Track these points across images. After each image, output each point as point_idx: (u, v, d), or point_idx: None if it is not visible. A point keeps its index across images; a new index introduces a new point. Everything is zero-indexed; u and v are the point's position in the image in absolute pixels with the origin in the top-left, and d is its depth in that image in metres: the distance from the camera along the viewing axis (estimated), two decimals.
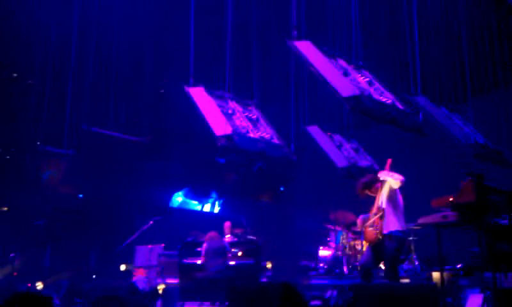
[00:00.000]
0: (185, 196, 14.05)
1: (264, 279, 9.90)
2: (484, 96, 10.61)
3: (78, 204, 12.17)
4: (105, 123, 11.67)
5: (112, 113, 11.80)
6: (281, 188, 14.53)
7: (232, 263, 9.66)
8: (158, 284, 8.40)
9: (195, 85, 9.59)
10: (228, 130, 9.08)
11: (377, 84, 9.59)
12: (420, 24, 9.71)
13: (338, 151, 11.09)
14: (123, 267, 10.22)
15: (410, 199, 6.75)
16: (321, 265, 9.65)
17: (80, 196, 11.96)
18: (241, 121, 9.78)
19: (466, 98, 10.31)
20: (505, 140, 10.33)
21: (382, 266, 7.03)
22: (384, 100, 9.20)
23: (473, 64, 10.32)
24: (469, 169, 6.23)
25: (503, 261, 5.47)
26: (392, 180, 6.44)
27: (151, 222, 9.64)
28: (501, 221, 5.95)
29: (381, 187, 6.66)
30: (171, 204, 13.62)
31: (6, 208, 12.01)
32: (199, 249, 9.54)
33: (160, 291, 7.18)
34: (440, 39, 10.81)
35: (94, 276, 10.77)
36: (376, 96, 9.11)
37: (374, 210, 6.58)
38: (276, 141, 10.24)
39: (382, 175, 6.55)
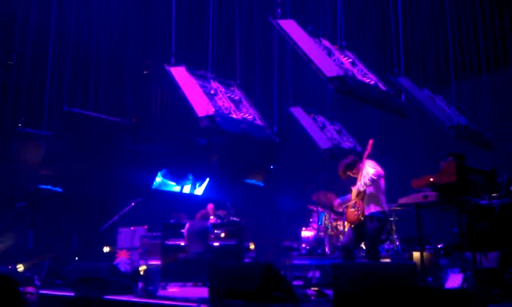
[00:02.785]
0: (164, 176, 13.97)
1: (247, 260, 9.94)
2: (468, 79, 10.66)
3: (58, 185, 12.01)
4: (86, 104, 11.52)
5: (93, 94, 11.66)
6: (271, 166, 14.51)
7: (215, 244, 9.69)
8: (140, 265, 8.37)
9: (177, 64, 9.49)
10: (210, 110, 9.01)
11: (360, 65, 9.58)
12: (404, 6, 9.69)
13: (321, 132, 11.08)
14: (106, 249, 10.18)
15: (392, 180, 6.76)
16: (303, 245, 9.68)
17: (60, 190, 11.81)
18: (224, 102, 9.71)
19: (450, 81, 10.36)
20: (487, 122, 10.43)
21: (363, 246, 7.07)
22: (367, 80, 9.19)
23: (457, 48, 10.35)
24: (450, 150, 6.26)
25: (482, 241, 5.52)
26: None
27: (132, 203, 9.57)
28: (481, 201, 6.01)
29: (363, 169, 6.66)
30: (153, 186, 13.54)
31: None
32: (182, 231, 9.55)
33: (142, 273, 7.13)
34: (424, 22, 10.81)
35: (76, 258, 10.70)
36: (359, 76, 9.09)
37: (355, 191, 6.58)
38: (259, 122, 10.19)
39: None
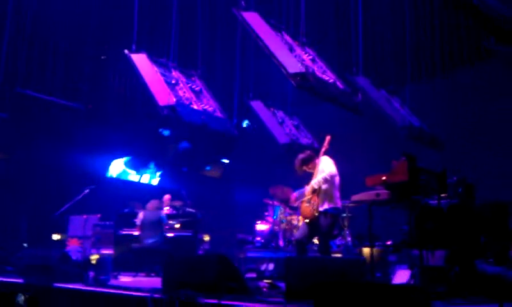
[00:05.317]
0: (126, 165, 13.79)
1: (201, 252, 9.94)
2: (423, 80, 10.94)
3: (9, 169, 11.67)
4: (41, 87, 11.20)
5: (49, 77, 11.35)
6: (224, 160, 14.50)
7: (170, 235, 9.63)
8: (92, 254, 8.24)
9: (138, 51, 9.36)
10: (171, 100, 8.93)
11: (320, 62, 9.70)
12: (365, 6, 9.85)
13: (280, 127, 11.18)
14: (56, 237, 9.96)
15: (346, 177, 6.88)
16: (258, 238, 9.76)
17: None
18: (184, 92, 9.65)
19: (406, 82, 10.63)
20: (440, 123, 10.75)
21: (316, 241, 7.19)
22: (326, 78, 9.33)
23: (413, 51, 10.61)
24: (403, 150, 6.42)
25: (430, 239, 5.69)
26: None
27: (86, 191, 9.39)
28: (430, 201, 6.21)
29: (319, 165, 6.75)
30: (107, 174, 13.32)
31: None
32: (135, 220, 9.46)
33: (93, 262, 7.02)
34: (382, 22, 11.03)
35: (25, 245, 10.43)
36: (318, 74, 9.22)
37: (310, 187, 6.66)
38: (219, 114, 10.18)
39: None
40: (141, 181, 14.17)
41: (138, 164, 14.04)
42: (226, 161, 14.29)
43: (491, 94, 10.36)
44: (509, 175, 9.47)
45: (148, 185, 14.12)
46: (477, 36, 10.09)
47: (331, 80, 9.34)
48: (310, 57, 9.56)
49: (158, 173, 14.38)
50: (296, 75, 8.19)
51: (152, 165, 14.24)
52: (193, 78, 10.40)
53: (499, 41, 9.31)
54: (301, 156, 6.92)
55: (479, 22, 9.43)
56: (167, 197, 10.34)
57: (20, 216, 11.57)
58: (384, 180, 5.98)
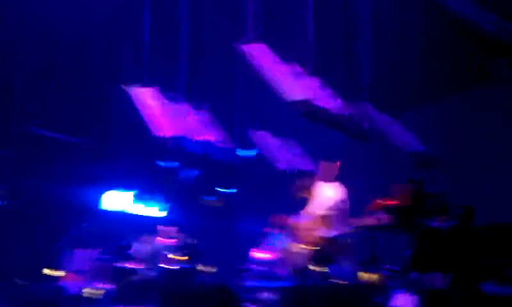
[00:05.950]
0: (136, 198, 13.81)
1: (201, 283, 9.77)
2: (427, 104, 10.91)
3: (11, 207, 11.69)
4: (45, 123, 11.30)
5: (52, 113, 11.43)
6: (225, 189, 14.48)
7: (168, 267, 9.48)
8: (89, 288, 8.13)
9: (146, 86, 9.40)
10: (177, 131, 8.94)
11: (326, 90, 9.68)
12: (371, 28, 9.89)
13: (282, 154, 11.12)
14: (52, 272, 9.86)
15: (350, 202, 6.80)
16: (258, 267, 9.61)
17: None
18: (190, 124, 9.66)
19: (409, 106, 10.60)
20: (446, 148, 10.65)
21: (316, 268, 7.05)
22: (332, 105, 9.30)
23: (416, 74, 10.60)
24: (407, 174, 6.37)
25: (432, 262, 5.59)
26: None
27: (82, 225, 9.35)
28: (431, 224, 6.10)
29: (322, 191, 6.68)
30: (100, 206, 13.29)
31: None
32: (130, 252, 9.34)
33: (91, 296, 6.92)
34: (386, 45, 11.02)
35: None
36: (324, 101, 9.18)
37: (312, 213, 6.57)
38: (223, 144, 10.17)
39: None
40: (149, 214, 14.13)
41: (145, 197, 14.06)
42: (228, 190, 14.25)
43: (496, 116, 10.29)
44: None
45: (149, 217, 14.06)
46: (482, 57, 10.05)
47: (338, 107, 9.30)
48: (316, 83, 9.54)
49: (167, 206, 14.35)
50: (300, 102, 8.18)
51: (160, 198, 14.25)
52: (200, 111, 10.45)
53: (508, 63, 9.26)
54: (300, 182, 6.84)
55: (489, 46, 9.42)
56: (166, 228, 10.22)
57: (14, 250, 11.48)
58: (385, 204, 5.91)
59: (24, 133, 10.63)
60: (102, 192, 12.94)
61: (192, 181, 13.91)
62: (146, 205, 13.89)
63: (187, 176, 13.81)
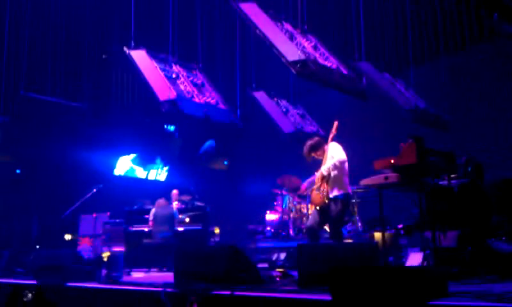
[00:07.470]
0: (133, 161, 13.80)
1: (212, 244, 9.94)
2: (427, 62, 10.87)
3: (16, 172, 11.71)
4: (43, 88, 11.21)
5: (51, 79, 11.34)
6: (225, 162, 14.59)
7: (180, 229, 9.64)
8: (103, 252, 8.25)
9: (137, 48, 9.33)
10: (172, 94, 8.89)
11: (322, 49, 9.64)
12: None
13: (285, 116, 11.14)
14: (67, 237, 10.00)
15: (354, 162, 6.83)
16: (268, 228, 9.76)
17: (18, 170, 11.52)
18: (185, 86, 9.61)
19: (409, 64, 10.55)
20: (446, 104, 10.68)
21: (327, 228, 7.16)
22: (329, 64, 9.26)
23: (416, 32, 10.54)
24: (410, 132, 6.37)
25: (441, 220, 5.66)
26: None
27: (94, 190, 9.40)
28: (440, 182, 6.17)
29: (328, 151, 6.69)
30: (114, 172, 13.32)
31: None
32: (146, 217, 9.46)
33: (105, 259, 7.03)
34: (383, 6, 10.93)
35: (37, 246, 10.47)
36: (321, 60, 9.15)
37: (320, 174, 6.60)
38: (222, 106, 10.13)
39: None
40: (149, 177, 14.18)
41: (145, 160, 14.04)
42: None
43: (495, 73, 10.28)
44: None
45: (156, 181, 14.12)
46: (480, 15, 10.00)
47: (334, 66, 9.29)
48: (312, 44, 9.50)
49: (165, 168, 14.37)
50: (295, 62, 8.14)
51: (158, 161, 14.23)
52: (194, 72, 10.36)
53: (502, 17, 9.20)
54: (309, 143, 6.80)
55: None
56: (175, 192, 10.32)
57: (29, 218, 11.62)
58: (392, 163, 5.93)
59: (23, 99, 10.57)
60: (106, 157, 12.95)
61: (194, 144, 13.92)
62: (144, 169, 13.95)
63: (188, 138, 13.83)
